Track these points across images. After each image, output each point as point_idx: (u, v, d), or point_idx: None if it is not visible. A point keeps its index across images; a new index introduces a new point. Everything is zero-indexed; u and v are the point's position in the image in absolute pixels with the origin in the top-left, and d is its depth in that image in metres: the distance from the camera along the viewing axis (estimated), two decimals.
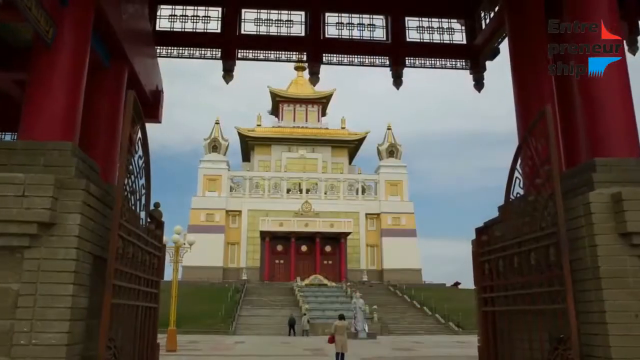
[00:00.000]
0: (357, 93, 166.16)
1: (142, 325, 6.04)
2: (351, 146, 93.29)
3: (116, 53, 8.63)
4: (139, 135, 5.94)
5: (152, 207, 7.19)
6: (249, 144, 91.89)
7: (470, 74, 10.94)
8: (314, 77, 10.57)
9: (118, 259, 5.04)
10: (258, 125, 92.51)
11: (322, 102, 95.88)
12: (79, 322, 4.85)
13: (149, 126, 11.31)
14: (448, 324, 50.41)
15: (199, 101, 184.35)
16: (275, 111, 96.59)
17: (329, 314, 47.09)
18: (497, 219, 7.16)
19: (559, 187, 5.40)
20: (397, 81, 10.44)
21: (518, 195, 6.66)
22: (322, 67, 10.92)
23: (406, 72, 10.86)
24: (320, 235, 75.60)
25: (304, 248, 76.37)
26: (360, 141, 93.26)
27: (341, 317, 20.46)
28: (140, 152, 6.00)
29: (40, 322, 4.60)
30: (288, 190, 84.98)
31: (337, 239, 77.05)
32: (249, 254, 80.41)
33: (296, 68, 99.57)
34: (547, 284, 5.59)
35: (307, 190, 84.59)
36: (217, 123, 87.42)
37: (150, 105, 9.96)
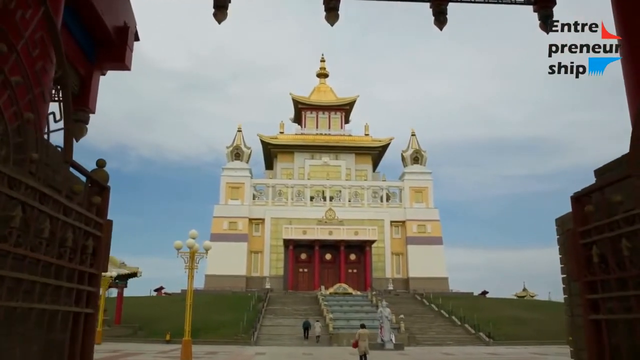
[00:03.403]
0: (379, 100, 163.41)
1: (59, 341, 3.83)
2: (375, 153, 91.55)
3: None
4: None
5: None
6: (271, 152, 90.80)
7: (535, 10, 8.38)
8: (332, 14, 8.00)
9: None
10: (281, 132, 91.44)
11: (345, 109, 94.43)
12: None
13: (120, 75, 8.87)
14: (478, 334, 48.15)
15: (219, 112, 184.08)
16: (297, 118, 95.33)
17: (353, 323, 45.45)
18: (606, 181, 4.76)
19: None
20: (440, 18, 7.88)
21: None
22: (342, 67, 8.50)
23: (438, 47, 8.49)
24: (345, 243, 73.47)
25: (328, 256, 74.30)
26: (384, 148, 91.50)
27: (362, 326, 24.88)
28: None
29: None
30: (311, 198, 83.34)
31: (361, 247, 74.78)
32: (272, 262, 78.97)
33: (318, 75, 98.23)
34: None
35: (331, 198, 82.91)
36: (239, 130, 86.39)
37: (112, 45, 7.49)
